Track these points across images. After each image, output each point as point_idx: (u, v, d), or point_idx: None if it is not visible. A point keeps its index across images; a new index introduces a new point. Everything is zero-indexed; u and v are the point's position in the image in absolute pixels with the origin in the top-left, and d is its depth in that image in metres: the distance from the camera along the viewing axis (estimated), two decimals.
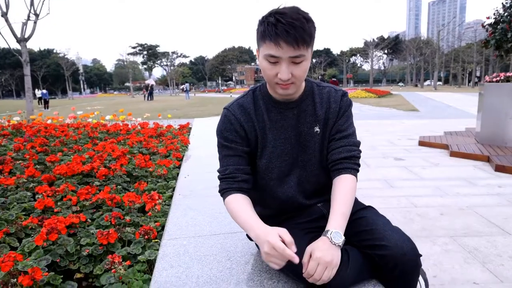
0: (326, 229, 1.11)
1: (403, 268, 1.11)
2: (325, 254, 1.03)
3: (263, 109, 1.25)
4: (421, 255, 1.15)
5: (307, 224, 1.30)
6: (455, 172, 4.09)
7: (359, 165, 1.27)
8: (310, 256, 1.05)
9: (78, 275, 1.60)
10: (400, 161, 4.68)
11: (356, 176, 1.25)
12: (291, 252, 1.00)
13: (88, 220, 1.96)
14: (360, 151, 1.29)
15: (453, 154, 4.92)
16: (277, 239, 1.01)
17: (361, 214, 1.26)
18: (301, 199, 1.31)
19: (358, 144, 1.29)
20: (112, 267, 1.42)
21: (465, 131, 6.78)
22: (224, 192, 1.24)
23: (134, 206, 2.12)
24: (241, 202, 1.20)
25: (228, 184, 1.23)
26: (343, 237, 1.08)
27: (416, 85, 61.52)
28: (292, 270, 1.17)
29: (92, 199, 2.17)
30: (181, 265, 1.42)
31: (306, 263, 1.05)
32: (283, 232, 1.04)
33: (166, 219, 2.02)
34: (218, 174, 1.27)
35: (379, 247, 1.12)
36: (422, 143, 5.85)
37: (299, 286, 1.19)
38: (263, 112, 1.25)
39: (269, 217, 1.38)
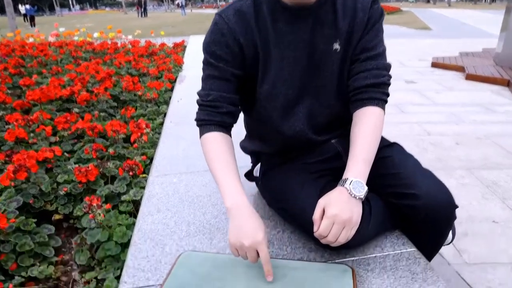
0: (344, 177, 0.87)
1: (435, 219, 0.92)
2: (343, 209, 0.81)
3: (267, 16, 0.92)
4: (457, 206, 0.94)
5: (318, 165, 1.07)
6: (471, 97, 3.80)
7: (388, 95, 0.99)
8: (323, 212, 0.82)
9: (56, 217, 1.43)
10: (412, 84, 4.35)
11: (384, 109, 0.98)
12: (270, 269, 0.82)
13: (65, 154, 1.74)
14: (390, 77, 1.00)
15: (469, 77, 4.56)
16: (267, 246, 0.81)
17: (385, 153, 1.02)
18: (311, 134, 1.05)
19: (388, 67, 0.99)
20: (90, 211, 1.23)
21: (482, 52, 6.29)
22: (203, 124, 0.97)
23: (118, 136, 1.89)
24: (222, 149, 0.94)
25: (208, 115, 0.95)
26: (366, 188, 0.85)
27: (428, 1, 57.25)
28: (301, 226, 0.97)
29: (71, 128, 1.92)
30: (170, 209, 1.23)
31: (318, 220, 0.82)
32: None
33: (155, 151, 1.80)
34: (197, 97, 0.98)
35: (408, 196, 0.91)
36: (435, 65, 5.45)
37: (308, 238, 1.00)
38: (267, 20, 0.92)
39: (272, 156, 1.15)
